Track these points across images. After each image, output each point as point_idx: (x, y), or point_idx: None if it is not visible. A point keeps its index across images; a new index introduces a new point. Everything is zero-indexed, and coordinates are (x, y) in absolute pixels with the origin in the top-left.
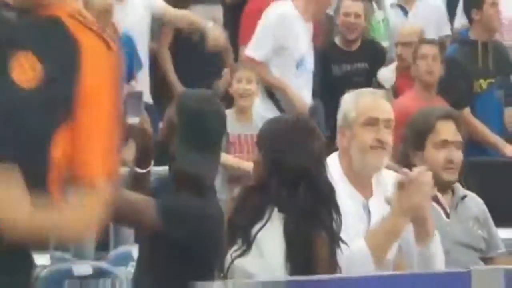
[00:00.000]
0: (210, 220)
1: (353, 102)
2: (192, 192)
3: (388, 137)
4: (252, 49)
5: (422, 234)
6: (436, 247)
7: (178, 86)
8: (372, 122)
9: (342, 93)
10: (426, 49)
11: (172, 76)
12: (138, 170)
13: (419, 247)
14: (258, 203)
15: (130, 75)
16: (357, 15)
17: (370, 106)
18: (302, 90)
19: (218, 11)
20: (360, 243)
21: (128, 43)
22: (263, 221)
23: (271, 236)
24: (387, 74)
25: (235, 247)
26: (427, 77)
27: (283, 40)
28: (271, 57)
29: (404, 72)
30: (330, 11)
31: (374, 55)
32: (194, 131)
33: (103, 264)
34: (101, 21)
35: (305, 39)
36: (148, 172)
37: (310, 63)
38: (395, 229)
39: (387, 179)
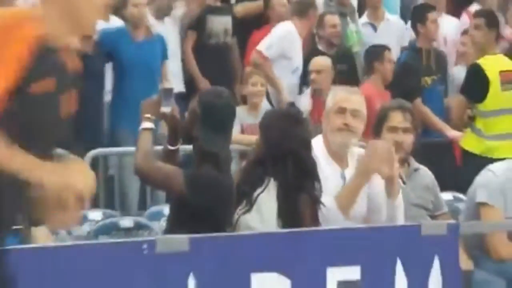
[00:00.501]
0: (224, 186)
1: (331, 96)
2: (210, 164)
3: (353, 122)
4: (264, 47)
5: (391, 190)
6: (400, 202)
7: (201, 81)
8: (341, 111)
9: None
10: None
11: (196, 73)
12: (170, 147)
13: (389, 200)
14: (258, 174)
15: (162, 58)
16: (338, 25)
17: (342, 98)
18: (293, 89)
19: (228, 22)
20: (329, 200)
21: (160, 41)
22: (262, 188)
23: (267, 199)
24: (304, 100)
25: (240, 207)
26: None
27: (287, 51)
28: (274, 60)
29: (316, 95)
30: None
31: (351, 60)
32: (211, 119)
33: (142, 219)
34: None
35: (300, 52)
36: (177, 149)
37: (300, 70)
38: (356, 186)
39: (360, 156)
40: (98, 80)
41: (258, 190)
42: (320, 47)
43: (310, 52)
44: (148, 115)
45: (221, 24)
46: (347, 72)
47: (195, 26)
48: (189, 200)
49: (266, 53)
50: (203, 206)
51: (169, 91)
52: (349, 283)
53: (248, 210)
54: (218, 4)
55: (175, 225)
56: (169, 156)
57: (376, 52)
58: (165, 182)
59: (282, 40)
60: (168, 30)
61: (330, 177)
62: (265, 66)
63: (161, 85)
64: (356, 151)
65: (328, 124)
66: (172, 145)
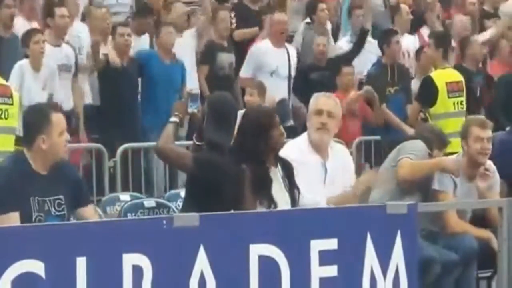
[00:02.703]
0: (227, 169)
1: (313, 99)
2: (216, 152)
3: (327, 121)
4: (241, 72)
5: None
6: None
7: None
8: (319, 112)
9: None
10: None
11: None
12: (197, 143)
13: None
14: (236, 159)
15: (182, 81)
16: (324, 45)
17: (320, 102)
18: (276, 89)
19: (232, 57)
20: (322, 201)
21: (181, 65)
22: None
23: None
24: None
25: None
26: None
27: (261, 62)
28: (255, 72)
29: None
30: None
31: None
32: (216, 114)
33: (162, 201)
34: None
35: (277, 57)
36: (203, 144)
37: (283, 70)
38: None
39: (340, 150)
40: (134, 87)
41: None
42: (313, 60)
43: (307, 66)
44: (177, 113)
45: (227, 59)
46: (328, 78)
47: (207, 60)
48: (197, 177)
49: (243, 75)
50: (210, 184)
51: (195, 96)
52: (328, 252)
53: None
54: (225, 43)
55: (189, 202)
56: (196, 151)
57: (336, 68)
58: (177, 160)
59: (252, 57)
60: (186, 42)
61: (313, 166)
62: (246, 83)
63: (189, 90)
64: (338, 147)
65: (310, 123)
66: (199, 141)
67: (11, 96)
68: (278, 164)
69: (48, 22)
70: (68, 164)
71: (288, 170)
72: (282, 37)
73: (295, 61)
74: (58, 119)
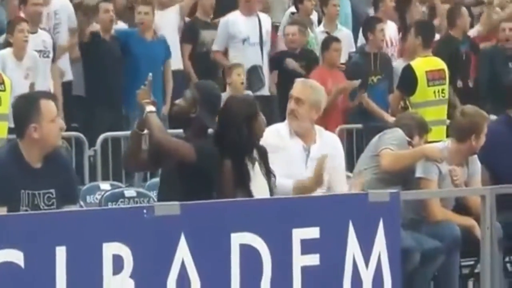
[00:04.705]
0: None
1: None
2: (209, 139)
3: (294, 107)
4: (213, 46)
5: None
6: None
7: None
8: (290, 97)
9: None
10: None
11: (192, 75)
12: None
13: None
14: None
15: (165, 58)
16: (293, 34)
17: (294, 88)
18: (248, 57)
19: (215, 34)
20: (289, 183)
21: (164, 41)
22: None
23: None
24: None
25: None
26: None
27: (231, 33)
28: (227, 43)
29: None
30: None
31: (310, 58)
32: (210, 102)
33: (143, 190)
34: None
35: (247, 25)
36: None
37: (254, 38)
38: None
39: (329, 137)
40: (118, 66)
41: None
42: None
43: (280, 53)
44: (147, 100)
45: (211, 36)
46: (306, 66)
47: (189, 39)
48: (197, 167)
49: (215, 48)
50: (210, 174)
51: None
52: (310, 241)
53: None
54: (208, 20)
55: (170, 191)
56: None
57: (325, 43)
58: (178, 150)
59: (222, 29)
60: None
61: (293, 149)
62: (217, 57)
63: (149, 78)
64: (327, 134)
65: None
66: (188, 129)
67: (2, 82)
68: (254, 149)
69: (21, 9)
70: (63, 156)
71: (263, 155)
72: (250, 5)
73: (268, 28)
74: (48, 105)
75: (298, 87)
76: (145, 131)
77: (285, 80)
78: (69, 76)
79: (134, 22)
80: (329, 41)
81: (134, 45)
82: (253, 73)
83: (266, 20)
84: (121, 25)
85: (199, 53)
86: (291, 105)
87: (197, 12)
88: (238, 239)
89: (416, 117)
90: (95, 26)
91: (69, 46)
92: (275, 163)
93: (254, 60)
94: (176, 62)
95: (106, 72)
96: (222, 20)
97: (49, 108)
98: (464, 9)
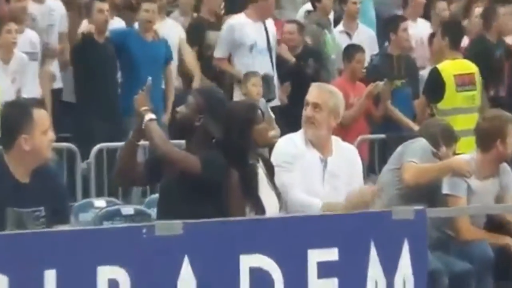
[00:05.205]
0: (225, 167)
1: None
2: (216, 149)
3: (312, 114)
4: (215, 53)
5: None
6: None
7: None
8: (306, 104)
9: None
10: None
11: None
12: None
13: None
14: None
15: (165, 62)
16: (292, 33)
17: (310, 93)
18: (258, 65)
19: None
20: (317, 204)
21: (165, 42)
22: None
23: None
24: None
25: None
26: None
27: (237, 40)
28: (231, 50)
29: None
30: None
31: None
32: (218, 110)
33: (141, 207)
34: None
35: (255, 31)
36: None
37: (261, 44)
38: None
39: (347, 148)
40: (113, 70)
41: None
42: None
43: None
44: (145, 107)
45: (215, 37)
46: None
47: (195, 41)
48: (203, 180)
49: (218, 55)
50: (210, 185)
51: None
52: (327, 263)
53: None
54: (213, 19)
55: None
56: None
57: (347, 53)
58: (184, 161)
59: (226, 35)
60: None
61: (309, 160)
62: (222, 65)
63: (149, 82)
64: (345, 145)
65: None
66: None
67: None
68: (260, 160)
69: (3, 7)
70: (53, 170)
71: (269, 169)
72: (264, 11)
73: (274, 32)
74: (40, 115)
75: (315, 91)
76: (141, 142)
77: (299, 87)
78: (58, 84)
79: (132, 20)
80: (352, 51)
81: (132, 46)
82: (265, 82)
83: (271, 23)
84: (117, 22)
85: (204, 57)
86: (307, 111)
87: (201, 11)
88: (248, 261)
89: (442, 124)
90: (88, 26)
91: (61, 49)
92: (291, 176)
93: (263, 68)
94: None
95: (100, 78)
96: (227, 25)
97: (42, 118)
98: (501, 10)
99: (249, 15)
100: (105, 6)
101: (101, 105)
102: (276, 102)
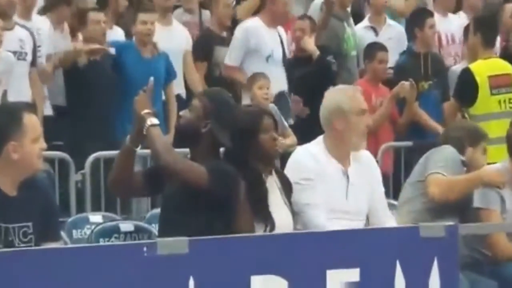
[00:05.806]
0: (236, 178)
1: (345, 96)
2: (224, 157)
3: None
4: (227, 59)
5: None
6: None
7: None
8: (362, 112)
9: None
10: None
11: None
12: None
13: None
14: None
15: (166, 80)
16: (302, 31)
17: (361, 99)
18: (274, 78)
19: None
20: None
21: (165, 58)
22: None
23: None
24: None
25: None
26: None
27: (252, 46)
28: (245, 57)
29: None
30: None
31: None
32: (226, 115)
33: (142, 223)
34: None
35: (271, 38)
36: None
37: (278, 55)
38: None
39: (364, 156)
40: (110, 85)
41: None
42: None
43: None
44: (147, 111)
45: (224, 54)
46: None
47: (203, 56)
48: (207, 191)
49: (230, 63)
50: (219, 198)
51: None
52: (348, 285)
53: None
54: (224, 34)
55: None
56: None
57: (368, 51)
58: (189, 172)
59: (239, 41)
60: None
61: (333, 175)
62: (234, 74)
63: (150, 85)
64: (360, 153)
65: (346, 126)
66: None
67: None
68: (274, 173)
69: None
70: (43, 182)
71: (285, 184)
72: (283, 19)
73: (287, 42)
74: (32, 122)
75: (360, 96)
76: (139, 147)
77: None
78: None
79: (131, 30)
80: (374, 49)
81: (128, 62)
82: (281, 102)
83: (282, 30)
84: (116, 31)
85: (212, 76)
86: (368, 120)
87: (210, 24)
88: (259, 283)
89: (466, 125)
90: (83, 48)
91: (51, 70)
92: (312, 196)
93: (280, 82)
94: (177, 86)
95: (96, 96)
96: (240, 29)
97: (33, 124)
98: None
99: (265, 19)
100: (101, 16)
101: (96, 110)
102: (290, 122)
